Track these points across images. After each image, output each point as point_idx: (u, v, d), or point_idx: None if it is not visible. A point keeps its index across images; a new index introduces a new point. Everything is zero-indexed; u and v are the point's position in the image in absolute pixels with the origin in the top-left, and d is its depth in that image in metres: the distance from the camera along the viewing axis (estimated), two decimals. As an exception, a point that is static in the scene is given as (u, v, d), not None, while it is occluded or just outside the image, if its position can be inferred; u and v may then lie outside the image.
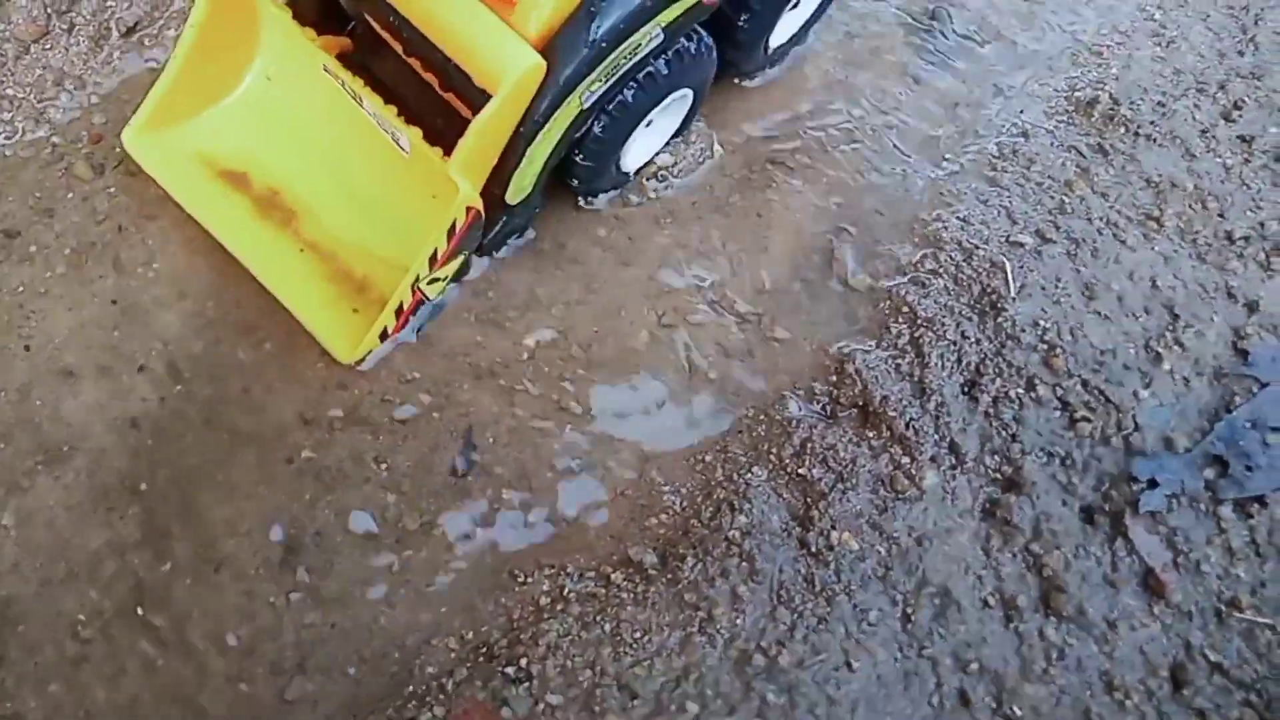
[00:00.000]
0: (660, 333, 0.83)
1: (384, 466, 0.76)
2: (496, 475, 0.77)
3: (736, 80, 0.95)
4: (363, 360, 0.79)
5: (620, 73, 0.75)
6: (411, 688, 0.69)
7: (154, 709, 0.66)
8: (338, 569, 0.72)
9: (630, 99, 0.78)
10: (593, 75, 0.72)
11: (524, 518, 0.76)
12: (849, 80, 0.98)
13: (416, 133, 0.74)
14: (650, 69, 0.77)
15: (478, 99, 0.73)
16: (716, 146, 0.92)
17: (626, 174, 0.88)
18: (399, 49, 0.78)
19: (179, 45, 0.80)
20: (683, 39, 0.78)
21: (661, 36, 0.75)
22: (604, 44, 0.71)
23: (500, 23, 0.70)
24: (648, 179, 0.89)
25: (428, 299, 0.81)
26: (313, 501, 0.73)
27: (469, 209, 0.73)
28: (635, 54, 0.74)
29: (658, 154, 0.90)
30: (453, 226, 0.74)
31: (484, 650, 0.69)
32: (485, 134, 0.71)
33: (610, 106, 0.78)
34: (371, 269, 0.82)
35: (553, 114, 0.73)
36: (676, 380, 0.81)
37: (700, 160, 0.91)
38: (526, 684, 0.65)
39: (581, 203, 0.88)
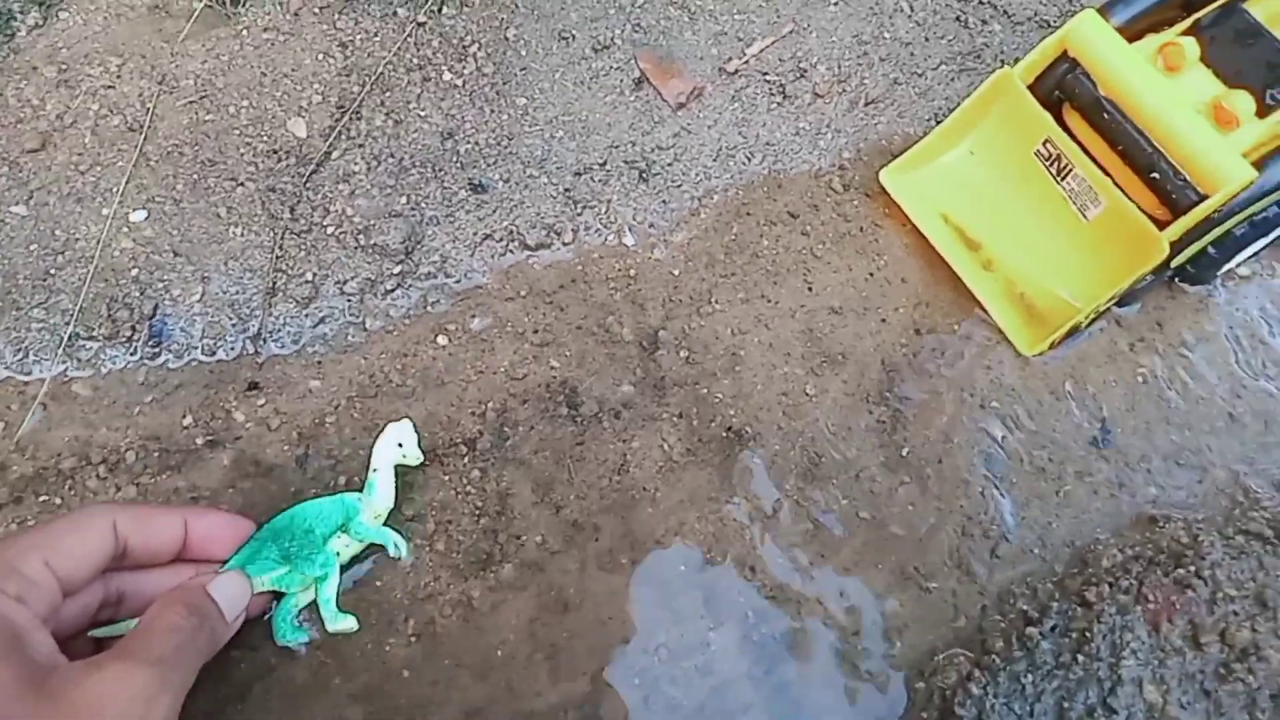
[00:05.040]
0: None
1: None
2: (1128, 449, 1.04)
3: None
4: (1032, 356, 1.09)
5: (1285, 195, 1.05)
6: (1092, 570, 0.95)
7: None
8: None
9: (1273, 216, 1.09)
10: (1278, 194, 1.03)
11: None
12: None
13: (1129, 204, 1.06)
14: (1296, 198, 1.08)
15: (1179, 193, 1.04)
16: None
17: (1218, 275, 1.18)
18: (1099, 142, 1.10)
19: (947, 119, 1.16)
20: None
21: (1322, 174, 1.06)
22: (1303, 172, 1.02)
23: (1223, 140, 1.02)
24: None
25: (1081, 326, 1.11)
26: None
27: (1158, 265, 1.04)
28: (1304, 183, 1.05)
29: (1240, 264, 1.20)
30: (1141, 276, 1.05)
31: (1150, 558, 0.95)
32: (1195, 218, 1.02)
33: (1259, 218, 1.08)
34: (1038, 296, 1.13)
35: (1237, 214, 1.04)
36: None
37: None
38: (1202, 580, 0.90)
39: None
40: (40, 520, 0.77)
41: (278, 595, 0.74)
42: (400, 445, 0.73)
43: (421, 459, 0.74)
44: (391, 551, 0.75)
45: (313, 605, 0.77)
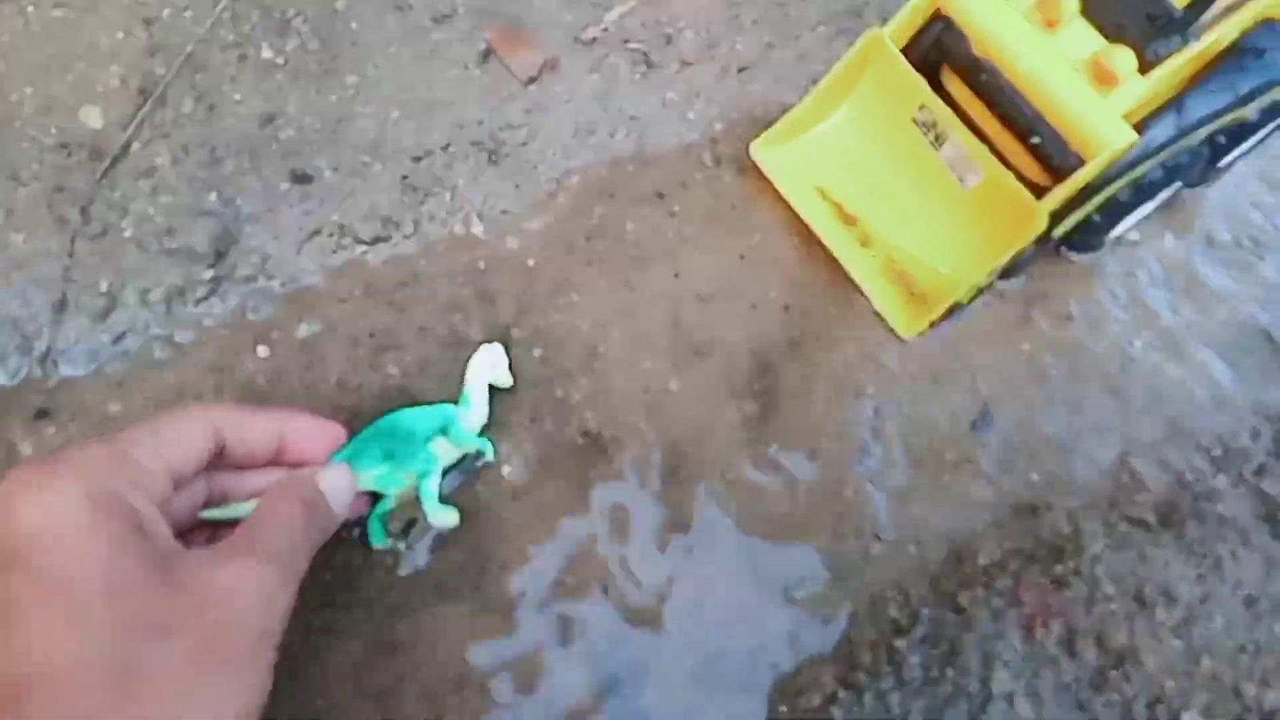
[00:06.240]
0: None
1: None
2: (1009, 432, 0.98)
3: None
4: (911, 339, 1.03)
5: (1168, 157, 0.99)
6: (969, 569, 0.90)
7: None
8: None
9: (1158, 178, 1.03)
10: (1162, 155, 0.97)
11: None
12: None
13: (1005, 173, 0.99)
14: (1179, 160, 1.02)
15: (1060, 157, 0.98)
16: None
17: (1107, 241, 1.12)
18: (978, 105, 1.03)
19: (819, 86, 1.08)
20: (1206, 144, 1.03)
21: (1205, 136, 1.00)
22: (1182, 132, 0.96)
23: (1102, 100, 0.95)
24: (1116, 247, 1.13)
25: (962, 303, 1.05)
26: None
27: (1038, 237, 0.98)
28: (1186, 144, 0.99)
29: (1129, 230, 1.15)
30: (1022, 249, 0.99)
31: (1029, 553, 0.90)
32: (1073, 186, 0.96)
33: (1143, 181, 1.03)
34: (917, 272, 1.06)
35: (1119, 178, 0.98)
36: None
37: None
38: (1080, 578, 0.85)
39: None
40: None
41: (374, 498, 0.73)
42: (494, 366, 0.76)
43: (512, 382, 0.79)
44: (488, 456, 0.80)
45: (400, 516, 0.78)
